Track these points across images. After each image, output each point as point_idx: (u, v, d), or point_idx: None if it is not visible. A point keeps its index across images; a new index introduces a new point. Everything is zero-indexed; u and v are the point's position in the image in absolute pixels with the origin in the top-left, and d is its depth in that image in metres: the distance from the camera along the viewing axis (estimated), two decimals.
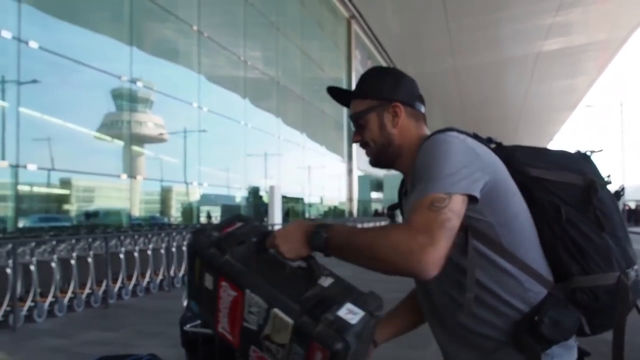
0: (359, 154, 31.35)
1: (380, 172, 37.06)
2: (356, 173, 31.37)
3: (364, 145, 1.42)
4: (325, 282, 1.23)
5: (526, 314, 1.19)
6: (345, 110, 21.99)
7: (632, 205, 44.48)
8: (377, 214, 33.45)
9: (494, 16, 26.70)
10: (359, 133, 1.41)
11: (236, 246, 1.25)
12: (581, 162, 1.29)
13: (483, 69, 32.55)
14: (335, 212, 29.11)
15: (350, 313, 1.13)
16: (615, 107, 51.85)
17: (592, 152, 1.33)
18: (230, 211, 18.44)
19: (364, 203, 34.46)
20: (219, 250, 1.23)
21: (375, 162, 1.43)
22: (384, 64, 36.99)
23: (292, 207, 22.19)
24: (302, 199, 24.95)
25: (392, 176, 31.57)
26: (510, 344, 1.20)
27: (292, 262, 1.24)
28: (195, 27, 15.24)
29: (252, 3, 18.72)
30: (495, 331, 1.22)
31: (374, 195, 36.72)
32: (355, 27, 30.12)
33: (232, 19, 18.51)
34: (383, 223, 27.59)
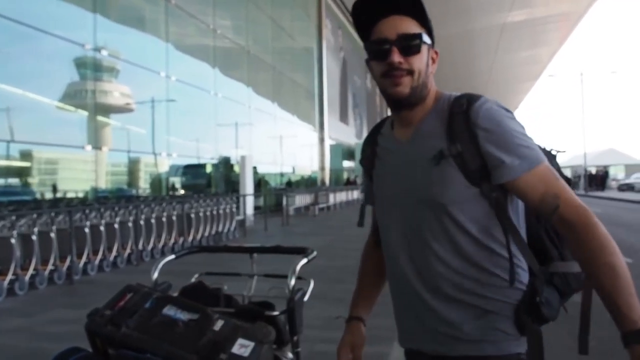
0: (331, 123, 31.27)
1: (351, 141, 37.09)
2: (328, 142, 31.32)
3: (406, 72, 1.28)
4: (217, 326, 1.36)
5: (524, 294, 1.25)
6: (315, 80, 21.89)
7: (593, 171, 46.11)
8: (348, 182, 33.54)
9: None
10: (406, 57, 1.28)
11: (129, 318, 1.38)
12: (550, 158, 1.34)
13: (451, 40, 32.68)
14: (307, 181, 29.12)
15: (242, 347, 1.31)
16: (575, 77, 52.90)
17: (557, 151, 1.43)
18: (199, 181, 18.26)
19: (336, 172, 34.50)
20: (115, 326, 1.36)
21: (408, 96, 1.30)
22: (354, 34, 36.69)
23: (263, 178, 22.08)
24: (274, 174, 24.89)
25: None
26: (500, 315, 1.25)
27: (183, 317, 1.39)
28: None
29: None
30: (480, 300, 1.26)
31: (346, 164, 36.79)
32: None
33: None
34: (355, 192, 27.81)
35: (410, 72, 1.28)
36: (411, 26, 1.29)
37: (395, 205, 1.36)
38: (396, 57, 1.27)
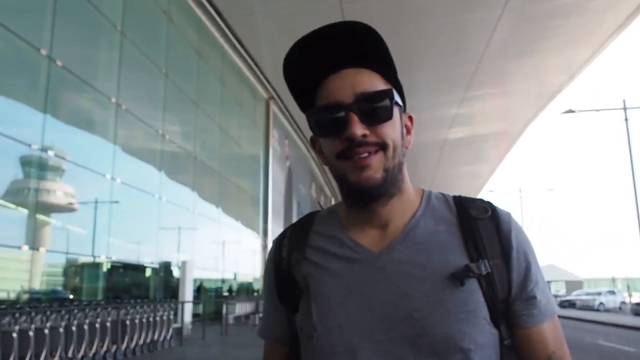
0: (275, 230, 31.33)
1: None
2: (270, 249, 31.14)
3: (375, 148, 0.94)
4: None
5: None
6: (261, 187, 22.04)
7: None
8: None
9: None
10: (372, 127, 0.93)
11: None
12: None
13: None
14: (248, 289, 28.58)
15: None
16: (515, 193, 55.55)
17: None
18: (139, 285, 17.67)
19: None
20: None
21: (382, 182, 0.94)
22: (300, 144, 38.03)
23: (203, 285, 21.59)
24: (216, 280, 24.40)
25: None
26: None
27: None
28: (113, 99, 15.12)
29: (172, 80, 18.90)
30: None
31: None
32: (273, 107, 30.93)
33: (152, 93, 18.53)
34: None
35: (383, 147, 0.94)
36: (373, 81, 0.96)
37: (363, 347, 0.91)
38: (358, 129, 0.91)
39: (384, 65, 0.98)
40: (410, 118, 1.05)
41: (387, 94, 0.95)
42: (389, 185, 0.96)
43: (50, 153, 12.65)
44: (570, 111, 26.33)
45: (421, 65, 22.06)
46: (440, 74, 24.29)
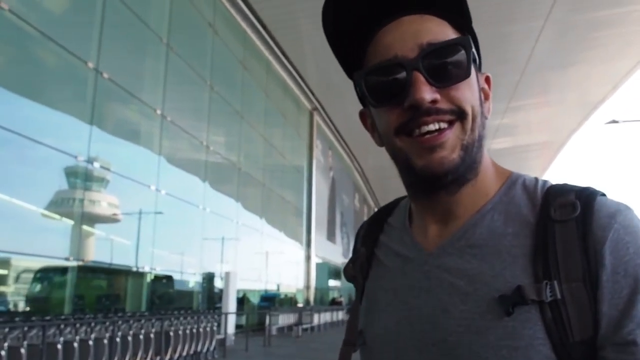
0: (318, 241, 31.20)
1: (338, 260, 36.79)
2: (314, 260, 31.05)
3: (449, 118, 0.70)
4: None
5: None
6: (304, 198, 22.12)
7: None
8: (334, 302, 32.82)
9: None
10: (443, 89, 0.69)
11: None
12: None
13: None
14: (291, 301, 28.47)
15: None
16: None
17: None
18: (183, 296, 17.76)
19: (322, 291, 33.88)
20: None
21: (458, 165, 0.71)
22: (344, 155, 37.88)
23: (246, 296, 21.58)
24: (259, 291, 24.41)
25: None
26: None
27: None
28: (159, 111, 15.27)
29: (217, 91, 19.03)
30: None
31: (332, 283, 36.28)
32: (317, 118, 30.94)
33: (196, 104, 18.73)
34: (340, 313, 27.08)
35: (460, 116, 0.70)
36: (442, 29, 0.71)
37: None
38: (426, 92, 0.68)
39: (456, 10, 0.72)
40: (487, 79, 0.79)
41: (462, 44, 0.70)
42: (467, 169, 0.72)
43: (96, 165, 12.81)
44: (614, 122, 25.67)
45: None
46: None
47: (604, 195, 0.71)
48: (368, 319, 0.83)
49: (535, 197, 0.74)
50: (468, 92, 0.70)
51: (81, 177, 12.52)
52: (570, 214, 0.68)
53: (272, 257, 25.42)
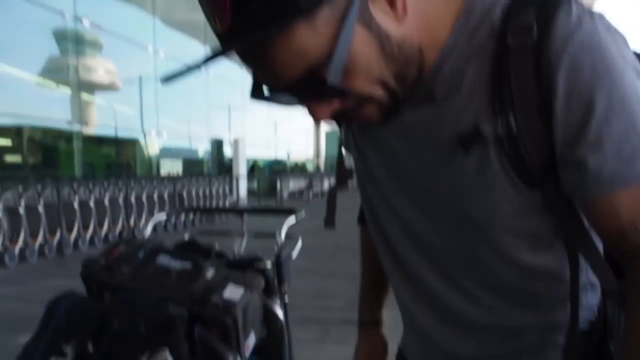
0: None
1: None
2: (323, 129, 31.13)
3: (354, 105, 0.64)
4: (208, 274, 1.47)
5: (592, 335, 0.76)
6: None
7: None
8: None
9: None
10: (335, 101, 0.63)
11: (124, 264, 1.49)
12: None
13: None
14: (301, 168, 28.95)
15: (233, 292, 1.41)
16: None
17: None
18: (192, 164, 17.99)
19: (331, 159, 34.38)
20: (110, 273, 1.48)
21: (387, 113, 0.67)
22: None
23: (257, 163, 21.84)
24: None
25: None
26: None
27: (176, 266, 1.48)
28: None
29: None
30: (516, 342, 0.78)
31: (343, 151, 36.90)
32: None
33: None
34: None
35: (360, 103, 0.64)
36: (303, 38, 0.57)
37: (401, 225, 0.79)
38: (325, 111, 0.63)
39: (305, 3, 0.54)
40: None
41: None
42: (404, 97, 0.66)
43: (86, 22, 12.01)
44: None
45: None
46: None
47: (569, 3, 0.61)
48: (366, 192, 0.87)
49: (495, 19, 0.64)
50: (359, 82, 0.61)
51: (72, 41, 11.92)
52: (526, 38, 0.61)
53: (281, 125, 25.43)
